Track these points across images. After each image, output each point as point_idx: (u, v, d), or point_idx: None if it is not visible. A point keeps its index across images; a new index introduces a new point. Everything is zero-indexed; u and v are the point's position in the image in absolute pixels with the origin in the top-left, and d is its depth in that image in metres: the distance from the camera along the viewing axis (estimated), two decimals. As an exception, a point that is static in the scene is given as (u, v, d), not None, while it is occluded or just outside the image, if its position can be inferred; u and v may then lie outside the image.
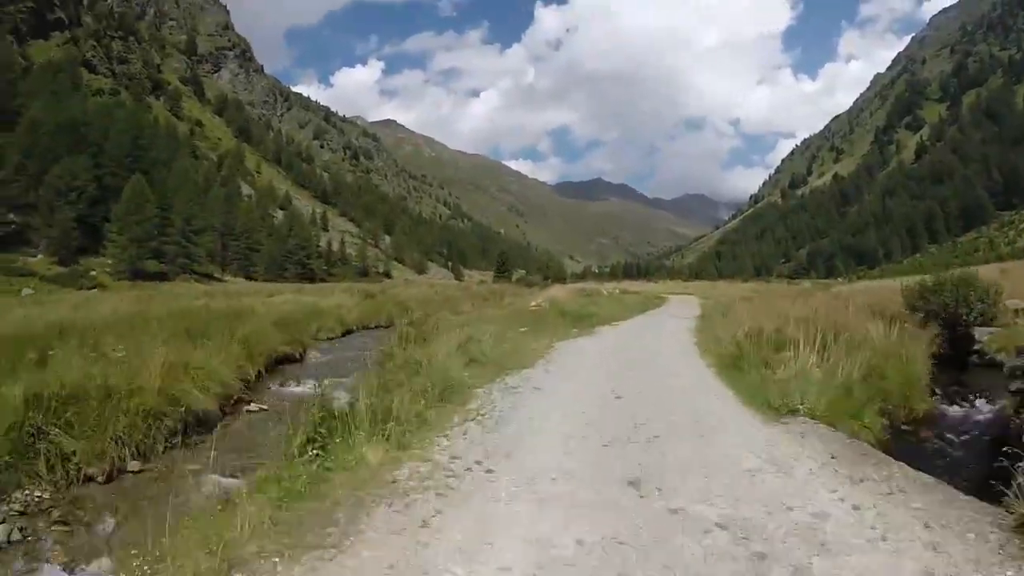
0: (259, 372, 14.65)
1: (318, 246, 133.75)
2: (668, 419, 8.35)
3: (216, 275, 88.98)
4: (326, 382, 10.66)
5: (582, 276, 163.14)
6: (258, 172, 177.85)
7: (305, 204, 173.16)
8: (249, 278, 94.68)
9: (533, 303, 30.40)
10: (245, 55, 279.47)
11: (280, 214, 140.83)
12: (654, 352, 16.87)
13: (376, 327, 29.24)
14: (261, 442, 8.58)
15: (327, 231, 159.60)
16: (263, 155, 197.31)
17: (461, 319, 22.46)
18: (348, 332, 27.66)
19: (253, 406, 11.85)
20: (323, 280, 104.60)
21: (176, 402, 9.29)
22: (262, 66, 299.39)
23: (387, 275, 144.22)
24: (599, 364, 14.37)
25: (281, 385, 14.53)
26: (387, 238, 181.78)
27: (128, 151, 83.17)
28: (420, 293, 48.42)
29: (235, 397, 11.82)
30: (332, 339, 25.09)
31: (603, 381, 11.73)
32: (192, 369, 10.50)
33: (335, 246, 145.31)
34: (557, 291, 40.41)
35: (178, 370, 9.97)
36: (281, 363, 17.43)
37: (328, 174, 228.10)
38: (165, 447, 8.51)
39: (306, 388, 13.19)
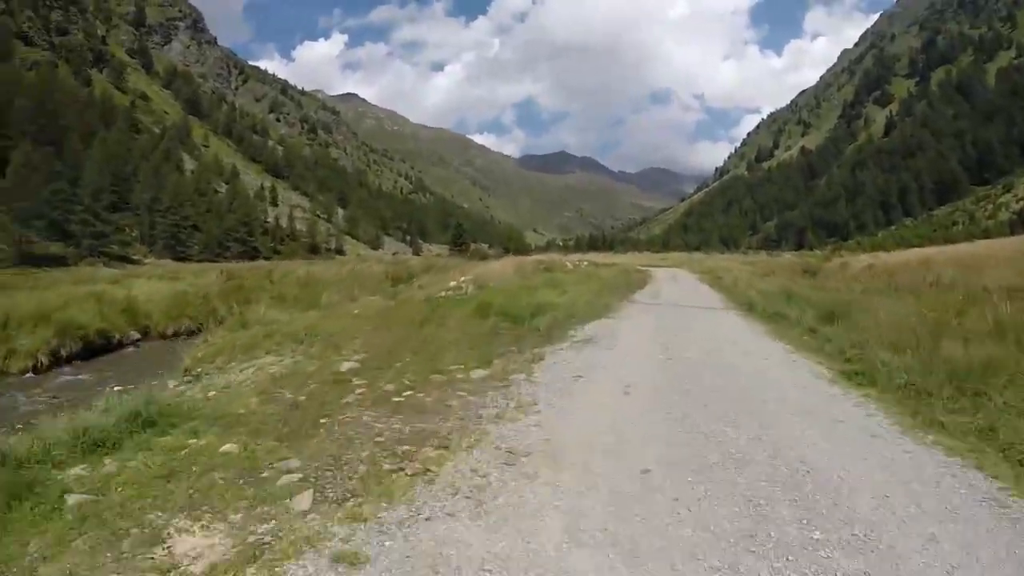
0: None
1: (266, 222, 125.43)
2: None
3: (136, 257, 77.38)
4: None
5: (546, 249, 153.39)
6: (205, 146, 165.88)
7: (254, 178, 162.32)
8: (181, 259, 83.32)
9: (451, 283, 20.09)
10: (197, 26, 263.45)
11: (225, 189, 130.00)
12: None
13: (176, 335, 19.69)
14: None
15: (276, 206, 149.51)
16: (212, 128, 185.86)
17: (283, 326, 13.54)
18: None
19: None
20: (267, 258, 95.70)
21: None
22: (215, 37, 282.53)
23: (339, 251, 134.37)
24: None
25: None
26: (340, 212, 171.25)
27: (32, 119, 71.72)
28: (333, 273, 37.92)
29: None
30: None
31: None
32: None
33: (284, 222, 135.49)
34: (502, 265, 29.69)
35: None
36: None
37: (282, 147, 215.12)
38: None
39: None
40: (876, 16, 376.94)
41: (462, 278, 21.63)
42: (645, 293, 22.94)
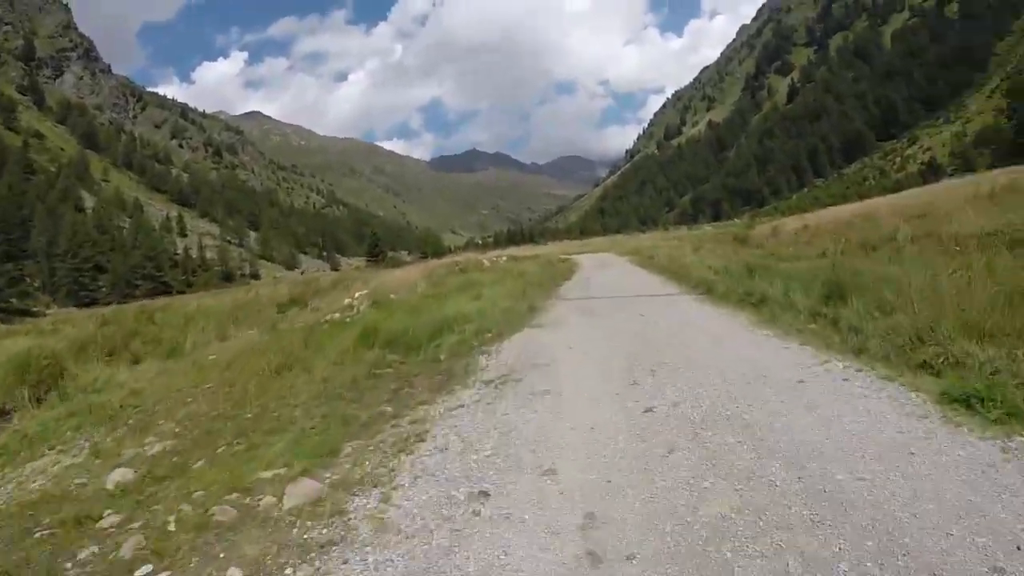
0: None
1: (175, 254, 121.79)
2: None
3: (36, 309, 71.07)
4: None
5: (465, 248, 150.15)
6: (105, 180, 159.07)
7: (159, 209, 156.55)
8: (86, 304, 77.47)
9: (345, 301, 16.37)
10: (89, 55, 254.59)
11: (128, 224, 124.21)
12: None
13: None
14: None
15: (185, 236, 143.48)
16: (112, 161, 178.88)
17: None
18: None
19: None
20: (180, 292, 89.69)
21: None
22: (109, 65, 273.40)
23: (254, 276, 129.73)
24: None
25: None
26: (252, 235, 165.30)
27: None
28: (227, 303, 33.58)
29: None
30: None
31: None
32: None
33: (195, 252, 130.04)
34: (405, 273, 25.94)
35: None
36: None
37: (187, 174, 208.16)
38: None
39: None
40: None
41: (357, 294, 17.88)
42: (575, 285, 19.37)
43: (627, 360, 7.74)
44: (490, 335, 10.47)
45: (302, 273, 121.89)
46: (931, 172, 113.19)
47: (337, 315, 14.40)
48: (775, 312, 9.12)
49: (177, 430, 7.48)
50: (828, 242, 21.39)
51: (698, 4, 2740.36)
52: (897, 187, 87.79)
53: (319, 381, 8.14)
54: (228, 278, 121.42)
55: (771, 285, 10.79)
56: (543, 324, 11.55)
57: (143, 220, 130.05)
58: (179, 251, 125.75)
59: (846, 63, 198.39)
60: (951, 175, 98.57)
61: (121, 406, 9.65)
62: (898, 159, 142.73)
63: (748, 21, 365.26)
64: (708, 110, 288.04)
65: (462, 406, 6.47)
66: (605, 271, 25.09)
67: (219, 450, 6.21)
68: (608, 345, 8.89)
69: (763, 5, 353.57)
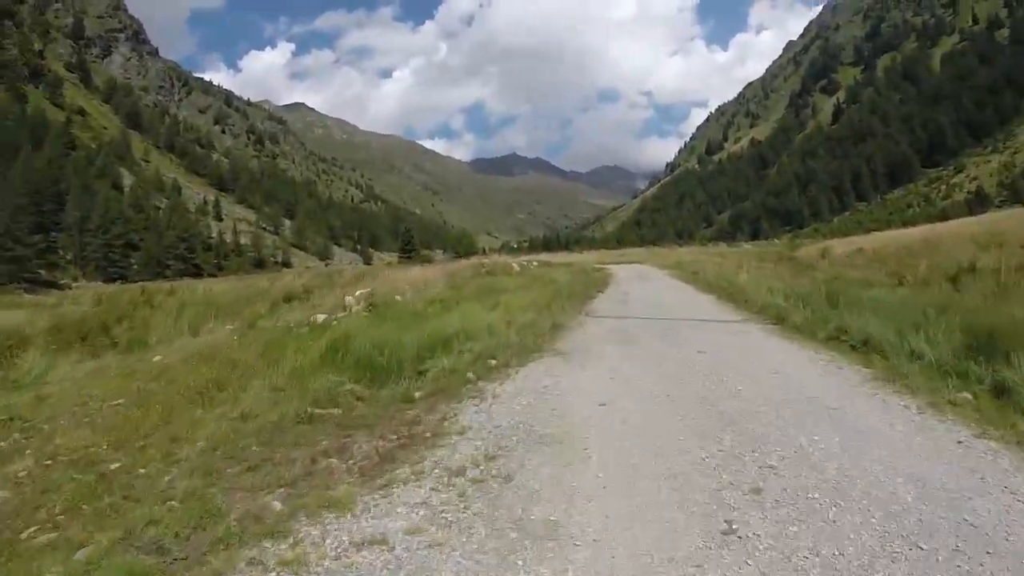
0: None
1: (209, 237, 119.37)
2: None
3: (63, 281, 70.09)
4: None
5: (499, 251, 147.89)
6: (146, 160, 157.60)
7: (197, 192, 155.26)
8: (115, 280, 75.91)
9: (347, 299, 13.87)
10: (138, 37, 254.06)
11: (165, 205, 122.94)
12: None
13: None
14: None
15: (220, 220, 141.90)
16: (154, 142, 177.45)
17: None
18: None
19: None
20: (211, 275, 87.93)
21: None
22: (156, 49, 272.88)
23: (286, 264, 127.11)
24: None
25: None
26: (287, 224, 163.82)
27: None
28: (235, 290, 31.65)
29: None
30: None
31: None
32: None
33: (229, 236, 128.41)
34: (423, 273, 23.28)
35: None
36: None
37: (228, 160, 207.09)
38: None
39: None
40: (819, 8, 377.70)
41: (358, 292, 15.46)
42: (610, 299, 16.65)
43: (701, 450, 4.74)
44: (495, 363, 7.96)
45: (327, 265, 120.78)
46: (978, 202, 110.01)
47: (322, 316, 11.96)
48: (896, 365, 6.43)
49: (22, 475, 5.23)
50: (894, 268, 18.99)
51: (745, 18, 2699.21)
52: (943, 216, 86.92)
53: (236, 418, 5.71)
54: (260, 264, 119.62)
55: (866, 321, 8.17)
56: (567, 351, 8.91)
57: (179, 202, 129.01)
58: (213, 235, 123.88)
59: (893, 85, 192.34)
60: (999, 206, 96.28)
61: (11, 418, 7.47)
62: (943, 187, 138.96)
63: (795, 38, 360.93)
64: (751, 127, 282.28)
65: (379, 542, 3.57)
66: (645, 284, 22.44)
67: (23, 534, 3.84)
68: (662, 410, 5.85)
69: (811, 22, 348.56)
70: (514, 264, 29.88)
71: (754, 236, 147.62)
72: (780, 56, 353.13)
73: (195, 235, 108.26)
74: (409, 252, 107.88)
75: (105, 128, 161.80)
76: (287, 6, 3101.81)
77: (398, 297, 14.89)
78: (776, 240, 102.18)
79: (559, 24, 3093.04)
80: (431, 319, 10.52)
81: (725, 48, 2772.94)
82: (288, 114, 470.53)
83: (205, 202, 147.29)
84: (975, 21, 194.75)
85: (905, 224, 68.21)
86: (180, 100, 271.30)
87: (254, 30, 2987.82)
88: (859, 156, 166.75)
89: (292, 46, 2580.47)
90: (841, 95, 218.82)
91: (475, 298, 14.51)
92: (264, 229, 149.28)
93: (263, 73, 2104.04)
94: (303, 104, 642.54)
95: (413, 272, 24.32)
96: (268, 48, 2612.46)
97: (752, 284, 15.96)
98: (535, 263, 32.18)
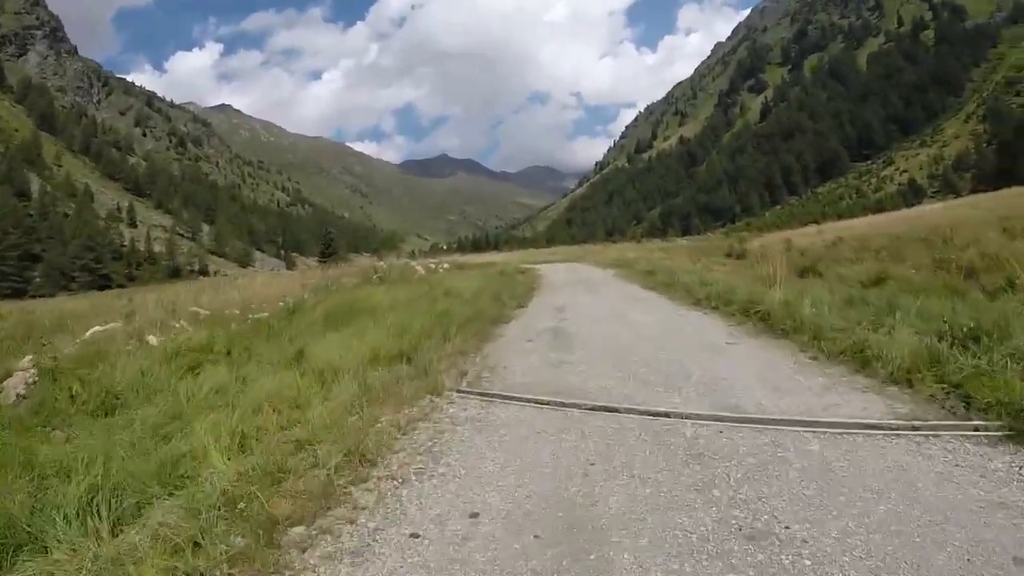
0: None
1: (122, 245, 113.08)
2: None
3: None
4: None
5: (429, 252, 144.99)
6: (58, 165, 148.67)
7: (112, 197, 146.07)
8: (10, 296, 68.46)
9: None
10: (56, 35, 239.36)
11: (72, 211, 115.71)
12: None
13: None
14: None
15: (135, 227, 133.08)
16: (67, 145, 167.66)
17: None
18: None
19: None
20: (121, 286, 79.87)
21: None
22: (76, 47, 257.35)
23: (203, 272, 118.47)
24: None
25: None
26: (206, 229, 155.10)
27: None
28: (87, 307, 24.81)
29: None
30: None
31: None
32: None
33: (144, 244, 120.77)
34: (296, 280, 16.89)
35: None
36: None
37: (146, 163, 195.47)
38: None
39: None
40: (747, 11, 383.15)
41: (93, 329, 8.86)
42: (533, 323, 10.26)
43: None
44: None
45: (290, 268, 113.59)
46: (912, 193, 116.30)
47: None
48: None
49: None
50: (914, 259, 15.70)
51: (674, 21, 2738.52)
52: (879, 207, 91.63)
53: None
54: (176, 273, 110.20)
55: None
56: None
57: (87, 208, 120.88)
58: (126, 243, 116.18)
59: (820, 83, 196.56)
60: (932, 197, 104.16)
61: None
62: (874, 180, 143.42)
63: (723, 39, 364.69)
64: (680, 125, 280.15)
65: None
66: (590, 292, 15.90)
67: None
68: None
69: (739, 24, 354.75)
70: (419, 268, 23.44)
71: (685, 232, 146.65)
72: (708, 57, 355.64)
73: (104, 244, 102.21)
74: (329, 256, 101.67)
75: (16, 130, 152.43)
76: (216, 5, 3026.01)
77: (150, 338, 8.19)
78: (710, 235, 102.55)
79: (491, 26, 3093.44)
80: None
81: (654, 50, 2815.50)
82: (214, 116, 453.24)
83: (119, 208, 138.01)
84: (900, 23, 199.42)
85: (839, 217, 68.78)
86: (99, 101, 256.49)
87: (182, 30, 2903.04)
88: (789, 152, 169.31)
89: (220, 47, 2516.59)
90: (769, 94, 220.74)
91: (300, 335, 8.16)
92: (181, 235, 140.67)
93: (190, 74, 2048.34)
94: (229, 106, 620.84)
95: (276, 283, 17.86)
96: (196, 49, 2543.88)
97: (742, 288, 10.23)
98: (445, 265, 25.72)
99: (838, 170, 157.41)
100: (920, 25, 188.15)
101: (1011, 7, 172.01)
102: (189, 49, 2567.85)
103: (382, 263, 24.64)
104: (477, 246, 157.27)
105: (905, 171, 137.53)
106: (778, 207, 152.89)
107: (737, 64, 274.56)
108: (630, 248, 46.54)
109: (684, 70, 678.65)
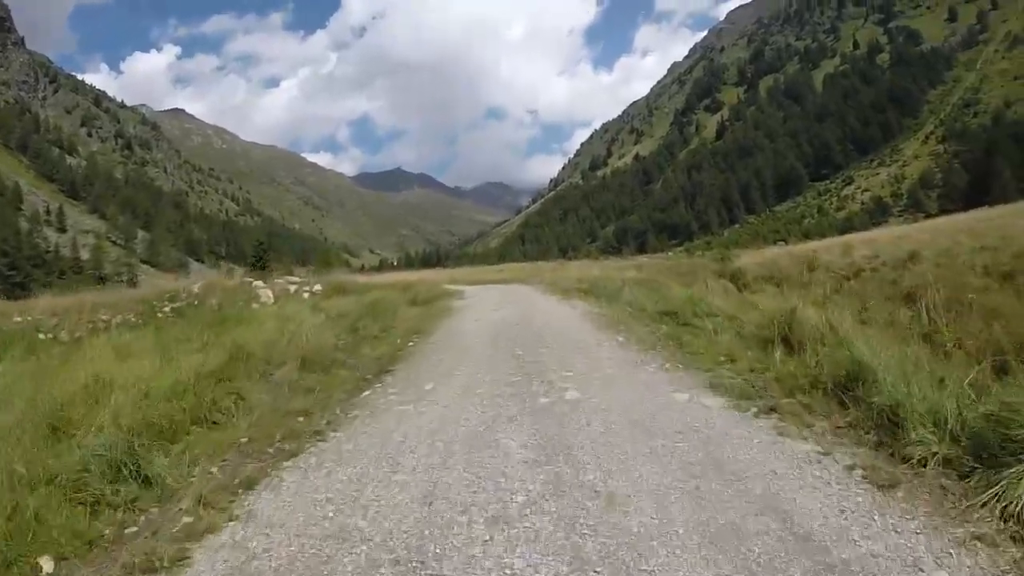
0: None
1: (47, 251, 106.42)
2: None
3: None
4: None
5: (378, 268, 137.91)
6: None
7: (43, 199, 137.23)
8: None
9: None
10: (3, 24, 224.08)
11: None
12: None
13: None
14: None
15: (64, 231, 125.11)
16: (3, 141, 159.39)
17: None
18: None
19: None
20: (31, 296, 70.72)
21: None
22: (23, 38, 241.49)
23: (132, 282, 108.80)
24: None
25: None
26: (139, 235, 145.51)
27: None
28: None
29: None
30: None
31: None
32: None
33: (72, 249, 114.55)
34: None
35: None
36: None
37: (90, 165, 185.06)
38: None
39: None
40: (704, 33, 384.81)
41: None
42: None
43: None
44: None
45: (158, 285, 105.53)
46: (879, 211, 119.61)
47: None
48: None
49: None
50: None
51: (631, 42, 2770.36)
52: (847, 226, 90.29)
53: None
54: (103, 281, 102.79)
55: None
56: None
57: (9, 209, 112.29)
58: (51, 248, 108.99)
59: (776, 103, 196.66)
60: (899, 215, 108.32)
61: None
62: (835, 199, 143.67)
63: (680, 59, 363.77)
64: (636, 143, 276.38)
65: None
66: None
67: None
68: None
69: (696, 44, 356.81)
70: (269, 292, 14.41)
71: (641, 249, 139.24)
72: (665, 76, 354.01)
73: (23, 248, 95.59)
74: (260, 266, 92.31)
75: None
76: (177, 6, 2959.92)
77: None
78: (670, 253, 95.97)
79: (451, 41, 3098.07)
80: None
81: (611, 70, 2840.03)
82: (166, 120, 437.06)
83: (48, 211, 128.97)
84: (856, 47, 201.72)
85: (804, 236, 61.63)
86: (45, 98, 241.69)
87: (140, 30, 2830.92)
88: (746, 170, 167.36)
89: (178, 49, 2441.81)
90: (725, 112, 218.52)
91: None
92: (113, 242, 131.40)
93: (145, 76, 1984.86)
94: (183, 110, 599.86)
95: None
96: (153, 50, 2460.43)
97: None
98: (318, 287, 16.68)
99: (796, 189, 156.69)
100: (876, 48, 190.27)
101: (965, 32, 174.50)
102: (147, 50, 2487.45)
103: (216, 280, 15.56)
104: (427, 262, 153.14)
105: (867, 190, 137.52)
106: (736, 225, 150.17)
107: (694, 83, 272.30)
108: (590, 266, 37.65)
109: (640, 89, 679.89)
